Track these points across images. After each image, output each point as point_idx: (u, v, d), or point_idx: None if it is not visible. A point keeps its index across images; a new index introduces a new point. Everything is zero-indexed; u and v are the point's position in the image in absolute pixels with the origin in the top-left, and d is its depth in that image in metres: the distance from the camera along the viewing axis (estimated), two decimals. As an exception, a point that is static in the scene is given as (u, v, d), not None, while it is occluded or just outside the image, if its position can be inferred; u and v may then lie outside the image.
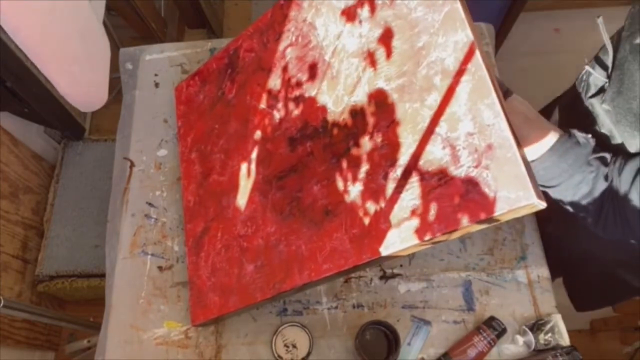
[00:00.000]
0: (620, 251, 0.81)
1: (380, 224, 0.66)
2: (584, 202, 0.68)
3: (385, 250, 0.65)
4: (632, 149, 0.66)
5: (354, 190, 0.71)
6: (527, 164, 0.56)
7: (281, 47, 0.85)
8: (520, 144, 0.58)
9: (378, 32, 0.71)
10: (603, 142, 0.69)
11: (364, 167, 0.70)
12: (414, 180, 0.64)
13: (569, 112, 0.82)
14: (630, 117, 0.63)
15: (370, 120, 0.70)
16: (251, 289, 0.81)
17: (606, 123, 0.70)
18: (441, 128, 0.62)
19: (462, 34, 0.61)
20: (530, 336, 0.84)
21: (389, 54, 0.69)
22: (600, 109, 0.71)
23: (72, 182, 1.58)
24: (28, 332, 1.55)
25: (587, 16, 1.99)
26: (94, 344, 1.44)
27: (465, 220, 0.59)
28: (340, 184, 0.73)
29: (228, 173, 0.90)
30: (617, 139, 0.69)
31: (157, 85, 1.16)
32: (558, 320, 0.85)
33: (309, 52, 0.80)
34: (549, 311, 0.89)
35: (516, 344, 0.86)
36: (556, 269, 1.02)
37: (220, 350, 0.90)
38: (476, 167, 0.58)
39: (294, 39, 0.83)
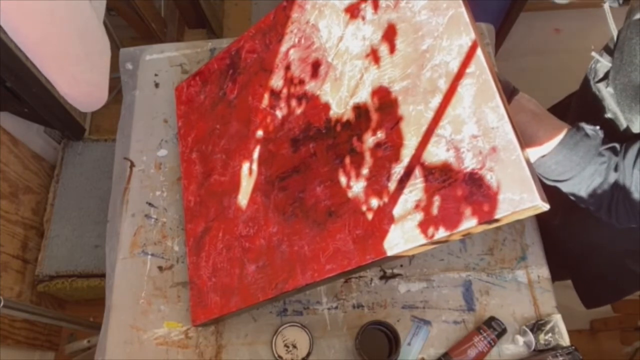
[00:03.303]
0: (628, 240, 0.82)
1: (384, 225, 0.67)
2: (597, 193, 0.68)
3: (389, 250, 0.65)
4: (635, 128, 0.67)
5: (358, 191, 0.71)
6: (531, 167, 0.57)
7: (284, 48, 0.85)
8: (524, 147, 0.58)
9: (381, 33, 0.71)
10: (612, 132, 0.70)
11: (368, 168, 0.70)
12: (418, 182, 0.64)
13: (580, 100, 0.82)
14: (630, 90, 0.64)
15: (374, 120, 0.71)
16: (253, 289, 0.81)
17: (612, 106, 0.71)
18: (445, 130, 0.62)
19: (467, 37, 0.61)
20: (531, 336, 0.84)
21: (392, 49, 0.69)
22: (606, 92, 0.72)
23: (72, 182, 1.58)
24: (28, 332, 1.55)
25: (587, 16, 2.00)
26: (94, 344, 1.44)
27: (469, 221, 0.59)
28: (343, 185, 0.73)
29: (229, 173, 0.90)
30: (622, 122, 0.69)
31: (157, 85, 1.16)
32: (558, 321, 0.85)
33: (312, 53, 0.81)
34: (549, 311, 0.89)
35: (516, 344, 0.86)
36: (563, 267, 1.02)
37: (220, 351, 0.90)
38: (480, 169, 0.59)
39: (296, 40, 0.83)
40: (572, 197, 0.72)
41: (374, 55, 0.72)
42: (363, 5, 0.74)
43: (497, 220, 0.58)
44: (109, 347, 0.92)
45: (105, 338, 0.93)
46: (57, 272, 1.47)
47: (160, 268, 0.98)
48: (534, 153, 0.68)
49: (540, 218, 0.96)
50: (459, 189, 0.60)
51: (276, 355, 0.86)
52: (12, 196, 1.49)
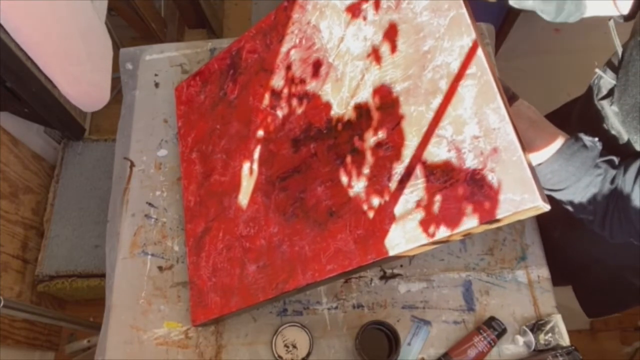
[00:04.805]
0: (627, 256, 0.81)
1: (385, 225, 0.67)
2: (591, 205, 0.68)
3: (391, 250, 0.66)
4: (639, 147, 0.67)
5: (359, 191, 0.71)
6: (532, 167, 0.57)
7: (284, 48, 0.85)
8: (525, 148, 0.58)
9: (382, 34, 0.71)
10: (612, 145, 0.70)
11: (369, 168, 0.70)
12: (419, 182, 0.64)
13: (582, 114, 0.82)
14: (636, 112, 0.64)
15: (375, 120, 0.71)
16: (253, 289, 0.81)
17: (615, 124, 0.71)
18: (447, 131, 0.62)
19: (468, 39, 0.62)
20: (531, 336, 0.84)
21: (393, 49, 0.69)
22: (609, 110, 0.72)
23: (72, 182, 1.58)
24: (28, 332, 1.55)
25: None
26: (94, 344, 1.44)
27: (470, 221, 0.59)
28: (344, 185, 0.73)
29: (229, 173, 0.90)
30: (624, 138, 0.69)
31: (157, 85, 1.16)
32: (558, 321, 0.85)
33: (312, 54, 0.81)
34: (549, 311, 0.89)
35: (516, 344, 0.86)
36: (564, 275, 1.01)
37: (220, 351, 0.90)
38: (481, 169, 0.59)
39: (297, 41, 0.83)
40: (566, 207, 0.72)
41: (375, 56, 0.72)
42: (364, 6, 0.74)
43: (498, 221, 0.58)
44: (109, 347, 0.92)
45: (105, 338, 0.93)
46: (57, 272, 1.47)
47: (160, 268, 0.98)
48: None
49: (540, 228, 0.96)
50: (460, 189, 0.60)
51: (276, 355, 0.86)
52: (12, 196, 1.49)
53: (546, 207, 0.55)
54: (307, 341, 0.87)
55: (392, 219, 0.66)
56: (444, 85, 0.63)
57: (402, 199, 0.66)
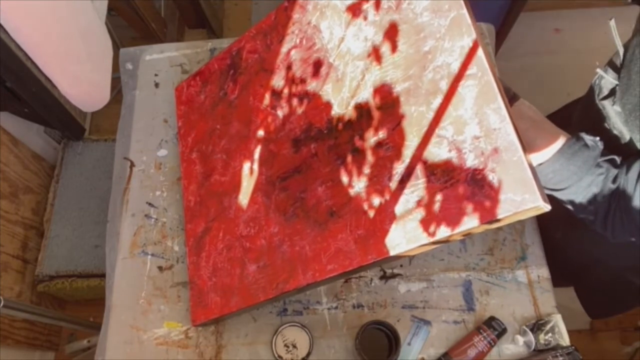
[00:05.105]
0: (628, 256, 0.81)
1: (385, 225, 0.67)
2: (592, 204, 0.68)
3: (391, 250, 0.66)
4: None
5: (359, 191, 0.71)
6: (532, 168, 0.57)
7: (285, 49, 0.85)
8: (525, 148, 0.58)
9: (383, 34, 0.71)
10: (614, 145, 0.70)
11: (369, 168, 0.70)
12: (420, 182, 0.64)
13: (583, 114, 0.82)
14: (638, 112, 0.64)
15: (376, 119, 0.71)
16: (253, 289, 0.81)
17: (617, 124, 0.71)
18: (447, 131, 0.62)
19: (469, 39, 0.62)
20: (531, 336, 0.84)
21: (394, 49, 0.69)
22: (611, 110, 0.72)
23: (72, 182, 1.58)
24: (28, 332, 1.55)
25: (587, 16, 2.00)
26: (94, 344, 1.44)
27: (470, 221, 0.59)
28: (345, 185, 0.73)
29: (230, 173, 0.90)
30: (626, 138, 0.69)
31: (157, 85, 1.16)
32: (558, 321, 0.85)
33: (313, 54, 0.81)
34: (549, 311, 0.89)
35: (516, 344, 0.86)
36: (564, 276, 1.01)
37: (220, 351, 0.90)
38: (482, 169, 0.59)
39: (298, 41, 0.83)
40: (568, 207, 0.72)
41: (375, 56, 0.72)
42: (365, 6, 0.74)
43: (498, 221, 0.58)
44: (109, 347, 0.92)
45: (105, 338, 0.93)
46: (57, 272, 1.47)
47: (160, 268, 0.98)
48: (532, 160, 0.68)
49: (541, 229, 0.96)
50: (461, 189, 0.60)
51: (276, 355, 0.86)
52: (12, 196, 1.49)
53: (547, 207, 0.55)
54: (307, 341, 0.87)
55: (393, 218, 0.66)
56: (444, 85, 0.63)
57: (403, 199, 0.66)
